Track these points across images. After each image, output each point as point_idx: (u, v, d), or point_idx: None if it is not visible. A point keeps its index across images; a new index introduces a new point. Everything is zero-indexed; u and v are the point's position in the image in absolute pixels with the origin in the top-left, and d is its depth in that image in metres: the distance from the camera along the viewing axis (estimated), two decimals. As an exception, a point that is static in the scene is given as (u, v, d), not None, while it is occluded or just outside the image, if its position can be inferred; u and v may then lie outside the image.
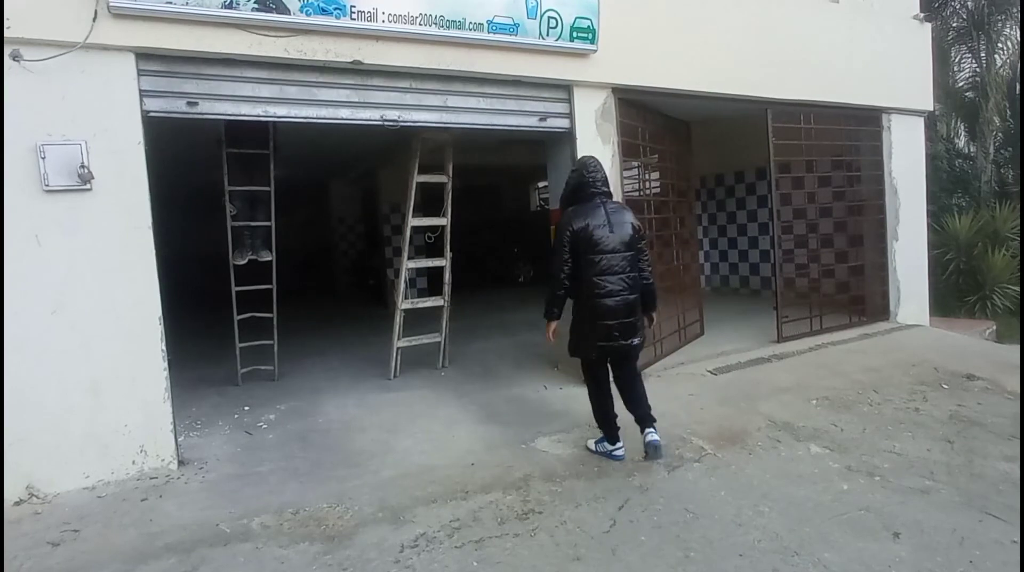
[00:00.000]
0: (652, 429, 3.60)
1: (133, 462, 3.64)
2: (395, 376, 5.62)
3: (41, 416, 3.45)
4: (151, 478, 3.61)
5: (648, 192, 6.27)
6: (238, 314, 5.54)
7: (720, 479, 3.36)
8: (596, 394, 3.74)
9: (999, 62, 11.00)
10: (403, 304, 5.58)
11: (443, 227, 5.69)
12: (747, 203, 9.35)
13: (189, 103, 3.83)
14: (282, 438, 4.21)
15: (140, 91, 3.66)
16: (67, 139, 3.44)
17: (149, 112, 3.71)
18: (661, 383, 5.06)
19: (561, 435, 4.01)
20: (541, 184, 14.49)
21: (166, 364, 3.71)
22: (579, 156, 5.05)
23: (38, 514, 3.26)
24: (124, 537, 2.96)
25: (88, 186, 3.46)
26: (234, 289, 5.38)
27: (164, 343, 3.71)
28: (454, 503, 3.16)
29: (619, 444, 3.65)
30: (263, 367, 5.87)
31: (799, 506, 3.10)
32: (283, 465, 3.73)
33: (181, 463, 3.80)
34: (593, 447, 3.74)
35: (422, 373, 5.74)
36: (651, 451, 3.53)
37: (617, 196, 5.21)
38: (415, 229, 5.71)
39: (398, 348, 5.63)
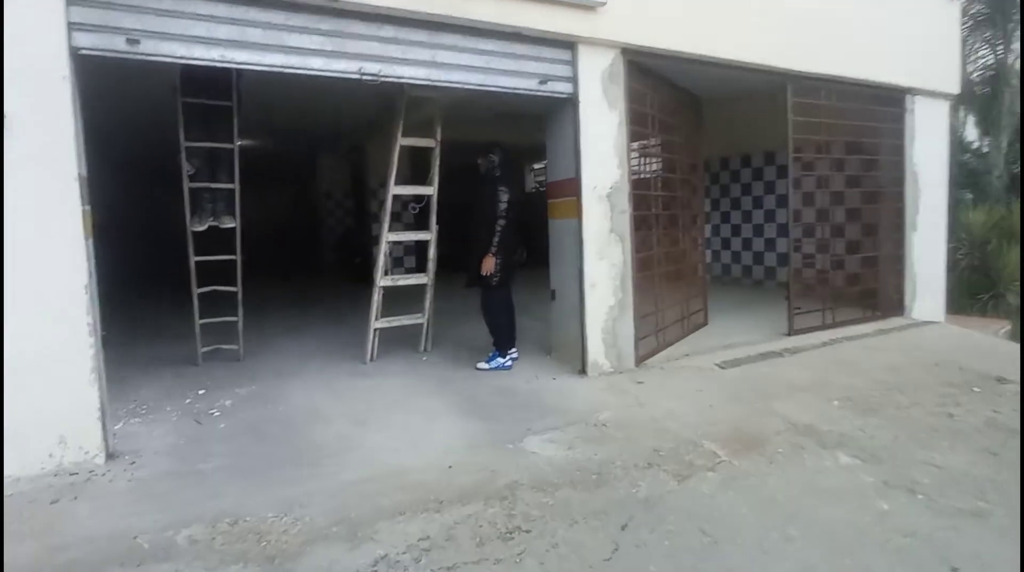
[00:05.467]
0: None
1: (50, 455, 3.05)
2: (371, 360, 5.05)
3: (-64, 398, 2.86)
4: (70, 474, 3.03)
5: (654, 168, 5.68)
6: (198, 287, 4.94)
7: (739, 493, 2.82)
8: None
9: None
10: (382, 280, 4.99)
11: (429, 197, 5.09)
12: (753, 189, 8.79)
13: (129, 41, 3.19)
14: (235, 429, 3.63)
15: (68, 23, 3.02)
16: (-27, 67, 2.82)
17: (80, 49, 3.07)
18: (665, 376, 4.52)
19: (554, 433, 3.45)
20: (537, 165, 13.88)
21: (95, 340, 3.12)
22: (583, 124, 4.48)
23: (-75, 516, 2.68)
24: (22, 549, 2.39)
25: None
26: (192, 259, 4.77)
27: (94, 317, 3.11)
28: (425, 516, 2.61)
29: None
30: (227, 346, 5.28)
31: (834, 530, 2.57)
32: (230, 462, 3.16)
33: (110, 456, 3.22)
34: None
35: (402, 357, 5.17)
36: None
37: (623, 170, 4.64)
38: (398, 198, 5.11)
39: (376, 329, 5.05)
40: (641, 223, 4.90)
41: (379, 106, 6.89)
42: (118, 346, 6.02)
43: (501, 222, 4.64)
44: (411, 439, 3.41)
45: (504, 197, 4.67)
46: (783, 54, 5.31)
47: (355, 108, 8.16)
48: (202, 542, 2.42)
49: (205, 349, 5.19)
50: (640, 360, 4.74)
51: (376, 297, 4.98)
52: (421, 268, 5.82)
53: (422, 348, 5.33)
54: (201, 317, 5.09)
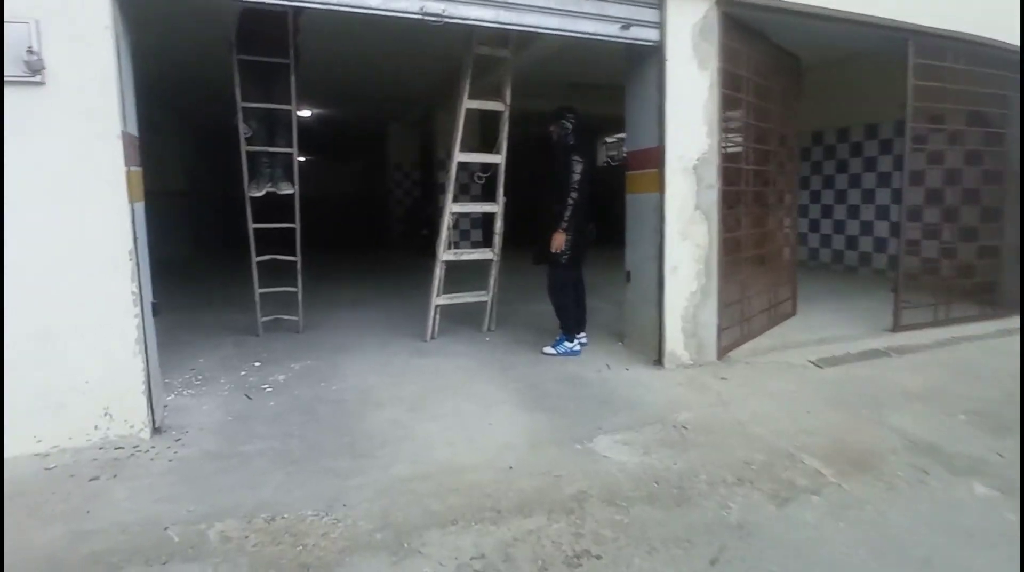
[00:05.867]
0: None
1: (95, 427, 2.89)
2: (431, 338, 4.75)
3: (-17, 363, 2.73)
4: (115, 448, 2.86)
5: (745, 138, 5.05)
6: (257, 255, 4.76)
7: (853, 527, 2.33)
8: None
9: None
10: (445, 254, 4.66)
11: (497, 166, 4.69)
12: (850, 166, 7.91)
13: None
14: (285, 407, 3.40)
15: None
16: (14, 16, 2.60)
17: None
18: (751, 372, 3.99)
19: (627, 434, 3.03)
20: (610, 139, 13.22)
21: (140, 310, 2.91)
22: (670, 85, 3.94)
23: (-32, 485, 2.56)
24: (47, 534, 2.20)
25: (39, 78, 2.62)
26: (251, 226, 4.57)
27: (140, 285, 2.91)
28: (480, 528, 2.26)
29: None
30: (287, 317, 5.12)
31: (980, 584, 2.06)
32: (275, 445, 2.91)
33: (156, 430, 3.04)
34: None
35: (463, 337, 4.85)
36: None
37: (712, 139, 4.08)
38: (464, 168, 4.74)
39: (437, 306, 4.74)
40: (730, 200, 4.33)
41: (448, 71, 6.51)
42: (189, 310, 6.02)
43: (573, 195, 4.19)
44: (468, 431, 3.07)
45: (577, 167, 4.21)
46: (907, 7, 4.55)
47: (423, 74, 7.83)
48: (234, 540, 2.16)
49: (265, 319, 5.05)
50: (722, 352, 4.22)
51: (439, 272, 4.66)
52: (487, 242, 5.47)
53: (485, 327, 4.99)
54: (263, 286, 4.94)
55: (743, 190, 4.54)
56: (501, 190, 4.75)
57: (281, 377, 3.92)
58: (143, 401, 2.95)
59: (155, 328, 3.26)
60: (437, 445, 2.90)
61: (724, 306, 4.23)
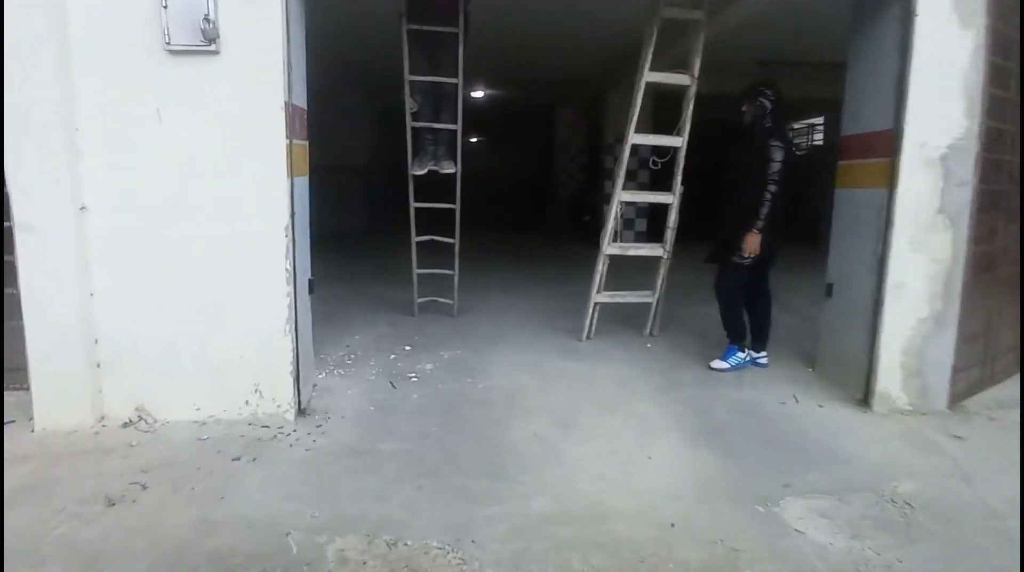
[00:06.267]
0: None
1: (247, 402, 2.86)
2: (588, 337, 4.31)
3: (153, 330, 2.78)
4: (262, 427, 2.80)
5: (1012, 120, 3.88)
6: (416, 235, 4.63)
7: None
8: None
9: None
10: (608, 248, 4.16)
11: (675, 151, 4.07)
12: None
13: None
14: (427, 402, 3.17)
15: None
16: (191, -18, 2.54)
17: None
18: (998, 432, 3.02)
19: (827, 502, 2.34)
20: (797, 125, 11.69)
21: (292, 289, 2.81)
22: (917, 46, 3.03)
23: (131, 447, 2.61)
24: (179, 519, 2.12)
25: (213, 46, 2.55)
26: (412, 205, 4.43)
27: (292, 261, 2.79)
28: (630, 606, 1.79)
29: None
30: (443, 300, 4.97)
31: None
32: (411, 448, 2.66)
33: (301, 412, 2.94)
34: None
35: (623, 339, 4.34)
36: None
37: (972, 121, 3.11)
38: (637, 151, 4.18)
39: (596, 303, 4.27)
40: (985, 202, 3.31)
41: (623, 48, 5.93)
42: (354, 284, 6.18)
43: (772, 188, 3.46)
44: (623, 462, 2.59)
45: (778, 154, 3.47)
46: None
47: (597, 52, 7.30)
48: (351, 564, 1.90)
49: (421, 300, 4.94)
50: (954, 399, 3.27)
51: (600, 267, 4.18)
52: (655, 235, 4.88)
53: (647, 332, 4.43)
54: (422, 266, 4.82)
55: (1004, 190, 3.47)
56: (679, 178, 4.12)
57: (429, 366, 3.72)
58: (290, 382, 2.85)
59: (310, 305, 3.19)
60: (585, 477, 2.46)
61: (964, 340, 3.26)
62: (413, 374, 3.57)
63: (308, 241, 3.12)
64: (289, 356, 2.83)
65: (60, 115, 2.54)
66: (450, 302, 4.93)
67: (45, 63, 2.50)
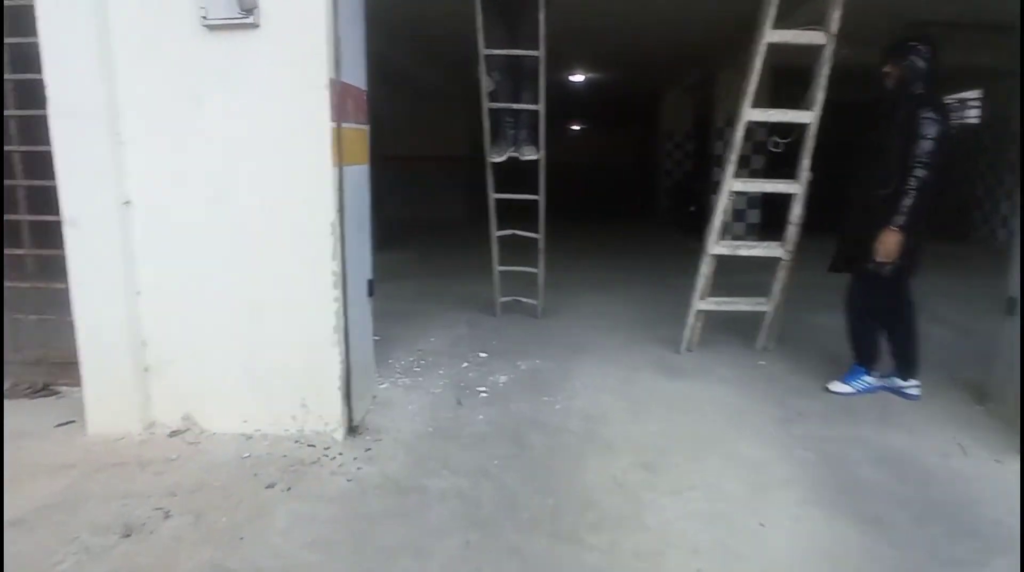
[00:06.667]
0: None
1: (293, 417, 2.55)
2: (688, 349, 3.68)
3: (198, 334, 2.53)
4: (308, 446, 2.47)
5: None
6: (498, 230, 4.19)
7: None
8: None
9: None
10: (715, 246, 3.50)
11: (805, 128, 3.31)
12: None
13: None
14: (492, 426, 2.71)
15: None
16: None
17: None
18: None
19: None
20: (957, 97, 10.03)
21: (340, 293, 2.45)
22: None
23: (170, 461, 2.38)
24: (190, 561, 1.80)
25: (251, 18, 2.22)
26: (491, 196, 3.98)
27: (341, 262, 2.43)
28: None
29: None
30: (526, 300, 4.52)
31: None
32: (465, 487, 2.22)
33: (353, 430, 2.59)
34: None
35: (729, 354, 3.66)
36: None
37: None
38: (753, 132, 3.47)
39: (699, 311, 3.63)
40: None
41: (738, 17, 5.13)
42: (439, 278, 5.89)
43: (920, 173, 2.66)
44: (724, 531, 1.99)
45: (931, 129, 2.66)
46: None
47: (708, 26, 6.46)
48: (367, 653, 1.50)
49: (504, 299, 4.52)
50: None
51: (705, 268, 3.53)
52: (769, 228, 4.12)
53: (759, 345, 3.72)
54: (506, 262, 4.40)
55: None
56: (807, 163, 3.37)
57: (502, 379, 3.27)
58: (338, 398, 2.51)
59: (370, 309, 2.85)
60: (674, 550, 1.89)
61: None
62: (483, 388, 3.14)
63: (366, 238, 2.76)
64: (337, 370, 2.48)
65: (102, 100, 2.32)
66: (534, 303, 4.47)
67: (85, 42, 2.28)
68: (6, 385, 3.09)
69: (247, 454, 2.44)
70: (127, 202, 2.44)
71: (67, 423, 2.68)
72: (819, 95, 3.30)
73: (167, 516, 2.03)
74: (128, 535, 1.94)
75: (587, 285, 5.55)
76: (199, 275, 2.47)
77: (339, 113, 2.32)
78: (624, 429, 2.66)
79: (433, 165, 10.73)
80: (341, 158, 2.36)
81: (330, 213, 2.33)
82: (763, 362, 3.55)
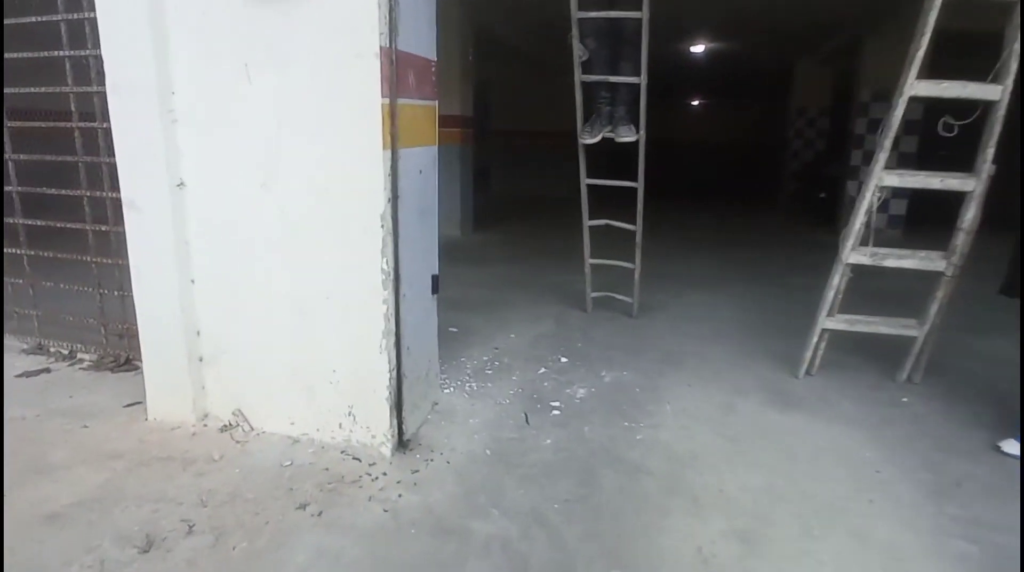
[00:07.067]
0: None
1: (340, 425, 2.30)
2: (806, 374, 3.05)
3: (247, 327, 2.34)
4: (353, 459, 2.22)
5: None
6: (589, 218, 3.72)
7: None
8: None
9: None
10: (852, 253, 2.82)
11: (989, 108, 2.53)
12: None
13: None
14: (560, 456, 2.31)
15: None
16: None
17: None
18: None
19: None
20: None
21: (391, 293, 2.14)
22: None
23: (213, 462, 2.22)
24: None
25: (305, -22, 1.92)
26: (583, 182, 3.52)
27: (394, 258, 2.12)
28: None
29: None
30: (621, 297, 4.04)
31: None
32: (514, 536, 1.84)
33: (402, 445, 2.31)
34: None
35: (860, 386, 2.98)
36: None
37: None
38: (916, 106, 2.72)
39: (824, 330, 2.98)
40: None
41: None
42: (537, 265, 5.51)
43: None
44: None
45: None
46: None
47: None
48: None
49: (595, 294, 4.07)
50: None
51: (837, 280, 2.87)
52: (916, 222, 3.34)
53: (903, 376, 3.00)
54: (599, 254, 3.95)
55: None
56: (990, 152, 2.58)
57: (580, 392, 2.86)
58: (386, 410, 2.22)
59: (434, 308, 2.54)
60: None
61: None
62: (557, 403, 2.74)
63: (431, 229, 2.43)
64: (385, 380, 2.18)
65: (153, 74, 2.14)
66: (629, 301, 3.98)
67: (138, 11, 2.09)
68: (92, 357, 3.15)
69: (288, 462, 2.22)
70: (180, 184, 2.26)
71: (134, 404, 2.63)
72: (1012, 65, 2.50)
73: (190, 531, 1.85)
74: (147, 551, 1.77)
75: (692, 280, 4.94)
76: (247, 265, 2.27)
77: (394, 87, 1.97)
78: (718, 478, 2.16)
79: (539, 140, 10.31)
80: (396, 139, 2.02)
81: (379, 203, 2.01)
82: (906, 399, 2.84)
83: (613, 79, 3.20)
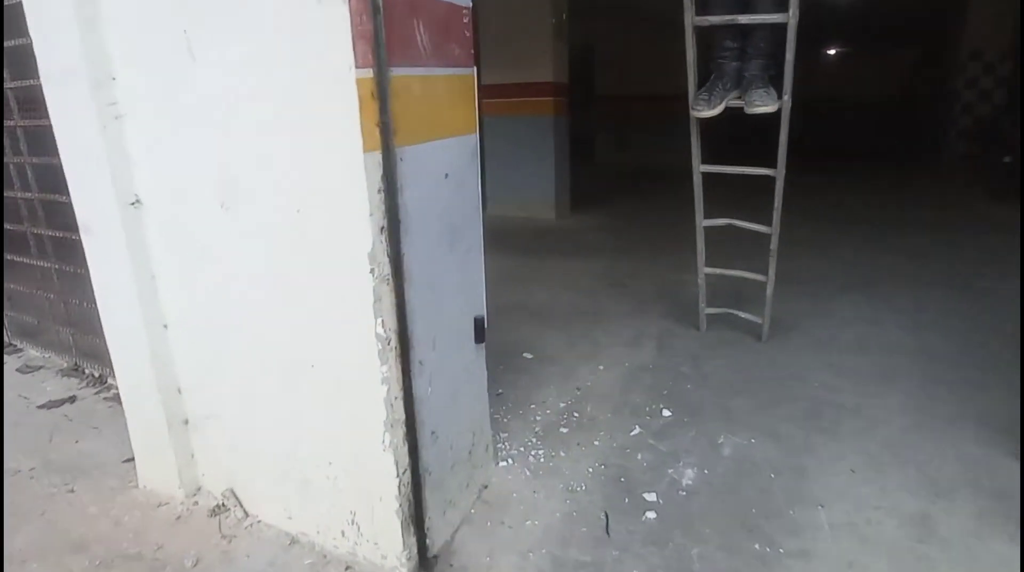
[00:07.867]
0: None
1: (342, 533, 1.63)
2: (1045, 456, 1.96)
3: (231, 388, 1.72)
4: (355, 584, 1.56)
5: None
6: (705, 217, 2.76)
7: None
8: None
9: None
10: None
11: None
12: None
13: None
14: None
15: None
16: None
17: None
18: None
19: None
20: None
21: (392, 366, 1.39)
22: None
23: (190, 567, 1.65)
24: None
25: None
26: (696, 169, 2.55)
27: (394, 315, 1.37)
28: None
29: None
30: (743, 315, 3.07)
31: None
32: None
33: (425, 565, 1.60)
34: None
35: None
36: None
37: None
38: None
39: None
40: None
41: None
42: (642, 256, 4.59)
43: None
44: None
45: None
46: None
47: None
48: None
49: (711, 310, 3.12)
50: None
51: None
52: None
53: None
54: (713, 262, 2.99)
55: None
56: None
57: (689, 474, 1.99)
58: (395, 523, 1.51)
59: (482, 360, 1.79)
60: None
61: None
62: (653, 497, 1.89)
63: (473, 256, 1.66)
64: (393, 485, 1.47)
65: (83, 52, 1.51)
66: (757, 321, 2.99)
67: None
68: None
69: (278, 562, 1.60)
70: (136, 202, 1.65)
71: (132, 460, 2.15)
72: None
73: None
74: None
75: (839, 281, 3.79)
76: (224, 310, 1.63)
77: (381, 48, 1.19)
78: None
79: (652, 106, 9.09)
80: (391, 133, 1.24)
81: (364, 235, 1.25)
82: None
83: (744, 19, 2.11)
